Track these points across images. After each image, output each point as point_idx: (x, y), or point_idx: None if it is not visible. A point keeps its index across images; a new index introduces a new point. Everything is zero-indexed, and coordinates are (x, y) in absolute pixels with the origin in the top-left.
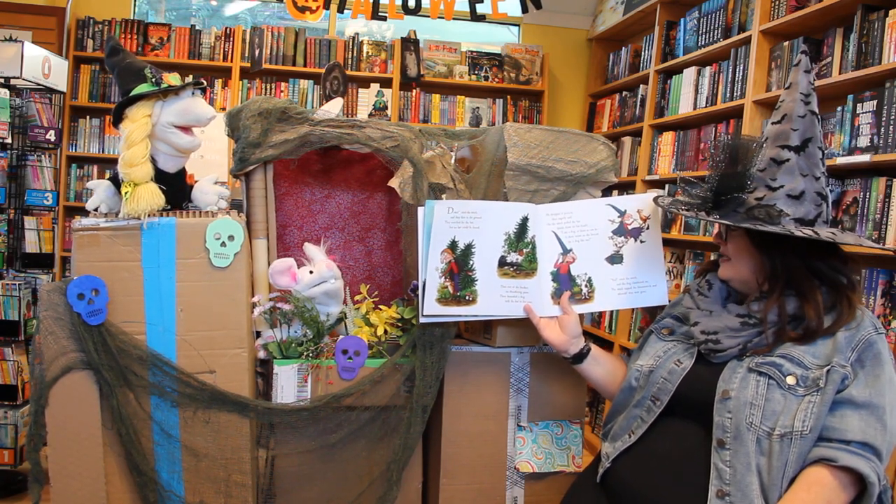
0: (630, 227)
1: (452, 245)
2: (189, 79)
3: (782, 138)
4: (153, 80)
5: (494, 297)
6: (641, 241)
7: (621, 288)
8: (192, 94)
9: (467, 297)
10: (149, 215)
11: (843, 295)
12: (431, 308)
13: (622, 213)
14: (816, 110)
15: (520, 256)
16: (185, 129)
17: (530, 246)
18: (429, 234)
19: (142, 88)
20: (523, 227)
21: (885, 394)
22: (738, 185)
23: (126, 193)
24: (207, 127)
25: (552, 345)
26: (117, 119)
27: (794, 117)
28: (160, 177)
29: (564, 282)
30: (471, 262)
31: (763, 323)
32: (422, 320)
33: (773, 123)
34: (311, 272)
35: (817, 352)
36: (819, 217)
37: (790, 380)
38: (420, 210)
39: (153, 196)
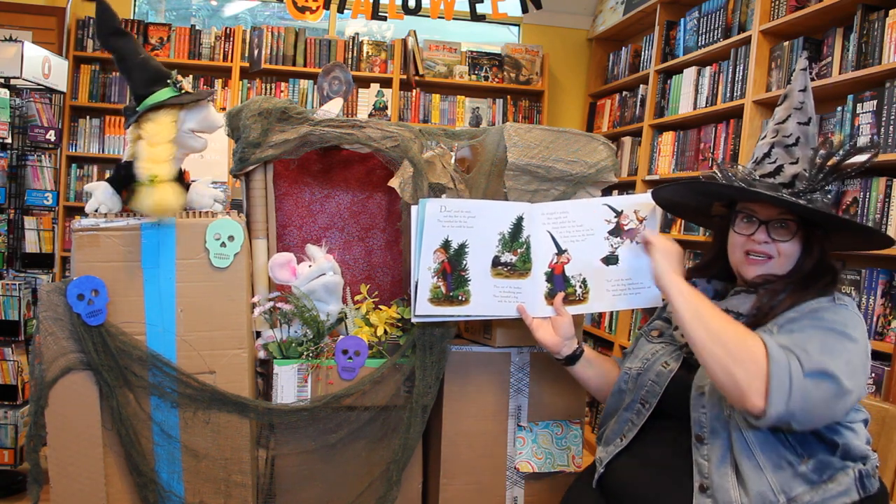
0: (626, 228)
1: (445, 244)
2: (210, 87)
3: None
4: (176, 86)
5: (487, 298)
6: (637, 242)
7: (616, 289)
8: (209, 100)
9: (460, 298)
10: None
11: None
12: (423, 308)
13: (618, 214)
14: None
15: (514, 256)
16: (199, 133)
17: (525, 246)
18: (421, 233)
19: (164, 93)
20: (518, 226)
21: (804, 333)
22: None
23: (141, 189)
24: None
25: (544, 346)
26: (132, 117)
27: (795, 102)
28: None
29: (558, 282)
30: (464, 262)
31: (765, 314)
32: (413, 320)
33: (777, 124)
34: (310, 266)
35: None
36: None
37: None
38: (413, 209)
39: (178, 196)
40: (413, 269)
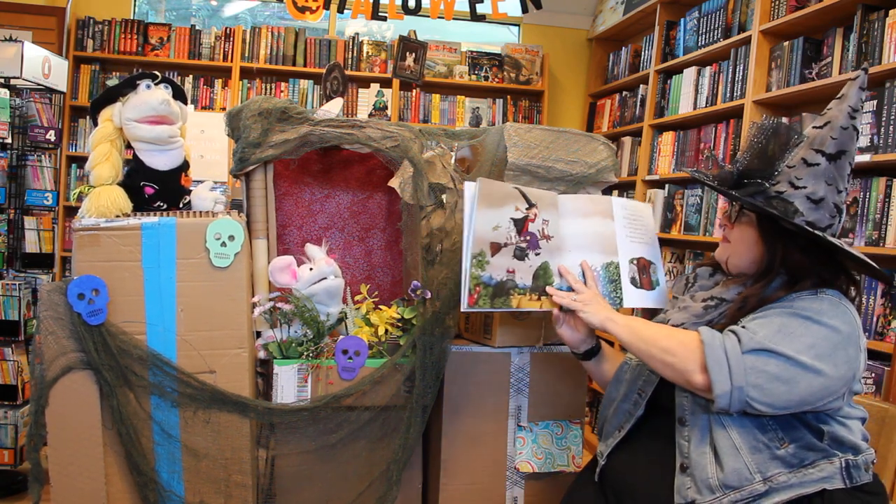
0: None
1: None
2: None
3: (819, 142)
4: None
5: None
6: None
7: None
8: (148, 87)
9: None
10: (108, 217)
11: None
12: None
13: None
14: (859, 128)
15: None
16: (153, 121)
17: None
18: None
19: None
20: None
21: (770, 325)
22: (765, 172)
23: (78, 192)
24: (207, 127)
25: (565, 341)
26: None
27: (837, 127)
28: (150, 175)
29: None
30: None
31: (748, 301)
32: (463, 309)
33: (814, 127)
34: (310, 269)
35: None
36: (829, 228)
37: None
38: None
39: (111, 199)
40: (464, 258)
